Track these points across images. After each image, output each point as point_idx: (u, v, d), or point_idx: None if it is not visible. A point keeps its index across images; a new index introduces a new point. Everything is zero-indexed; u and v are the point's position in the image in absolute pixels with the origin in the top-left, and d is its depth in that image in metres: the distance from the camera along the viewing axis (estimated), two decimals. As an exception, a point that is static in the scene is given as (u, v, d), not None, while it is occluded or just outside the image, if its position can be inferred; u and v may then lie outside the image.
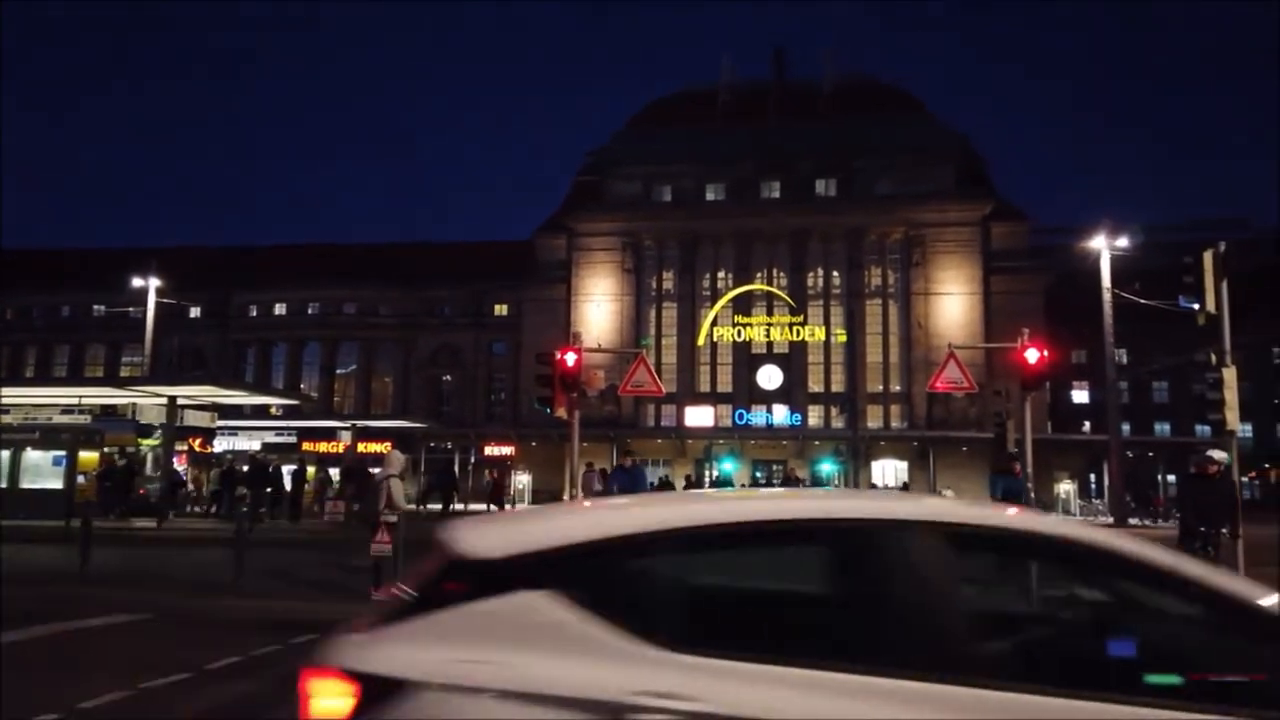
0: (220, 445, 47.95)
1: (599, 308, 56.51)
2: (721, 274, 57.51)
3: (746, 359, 55.96)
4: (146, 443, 29.05)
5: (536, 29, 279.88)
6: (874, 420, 53.88)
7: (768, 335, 55.77)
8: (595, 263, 57.71)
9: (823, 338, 55.38)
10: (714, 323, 56.17)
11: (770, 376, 55.53)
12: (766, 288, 56.40)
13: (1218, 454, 11.31)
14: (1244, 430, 45.14)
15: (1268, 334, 53.46)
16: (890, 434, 52.74)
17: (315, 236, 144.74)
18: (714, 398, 55.64)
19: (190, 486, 33.20)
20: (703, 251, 57.58)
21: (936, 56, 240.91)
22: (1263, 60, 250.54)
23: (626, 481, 12.86)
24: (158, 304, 44.00)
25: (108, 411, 29.51)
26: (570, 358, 11.59)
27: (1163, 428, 60.37)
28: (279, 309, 64.42)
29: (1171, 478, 52.99)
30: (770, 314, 56.07)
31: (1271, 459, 62.73)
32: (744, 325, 55.84)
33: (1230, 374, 13.64)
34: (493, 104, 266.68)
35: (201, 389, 28.21)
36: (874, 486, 44.54)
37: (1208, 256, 14.00)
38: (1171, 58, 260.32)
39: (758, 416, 54.29)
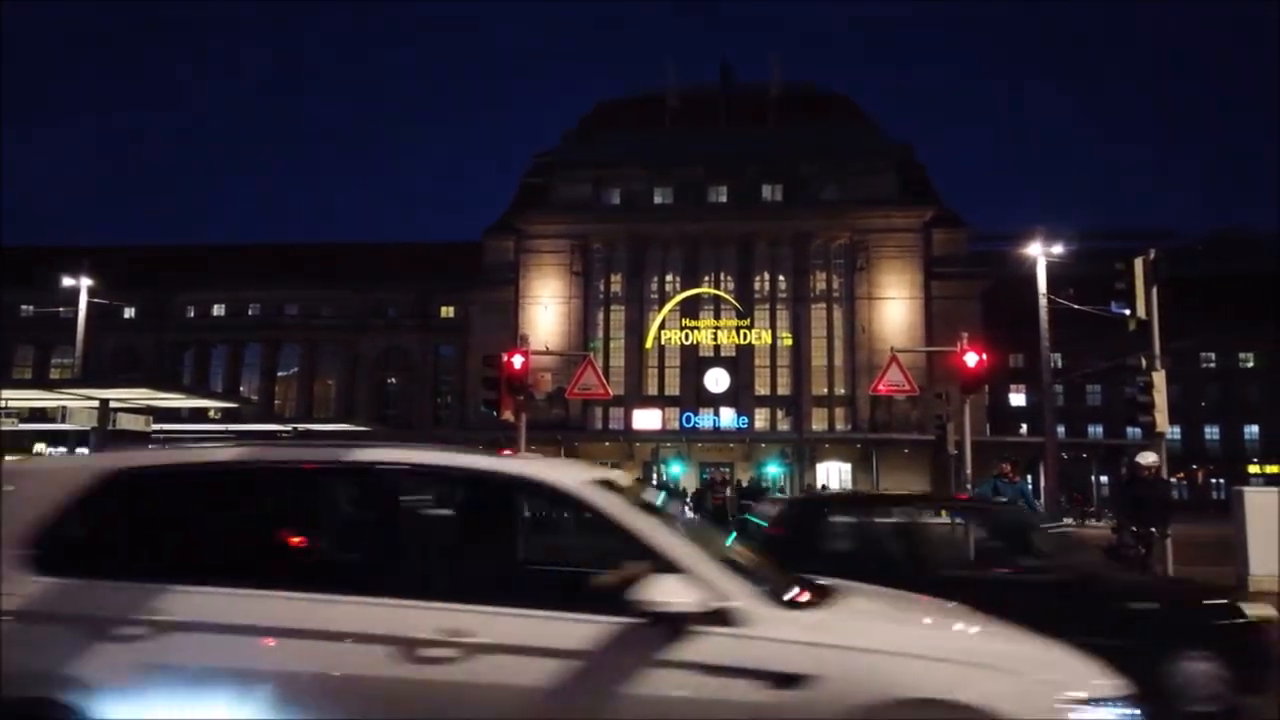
0: (156, 450, 46.72)
1: (547, 310, 56.30)
2: (669, 277, 57.72)
3: (694, 362, 56.21)
4: None
5: (492, 28, 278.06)
6: (819, 423, 54.55)
7: (715, 339, 56.13)
8: (544, 265, 57.50)
9: (769, 341, 55.91)
10: (662, 326, 56.34)
11: (717, 379, 55.88)
12: (714, 291, 56.76)
13: (1143, 457, 11.50)
14: (1173, 432, 46.57)
15: (1196, 339, 55.22)
16: (835, 436, 53.43)
17: (258, 237, 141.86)
18: (662, 400, 55.77)
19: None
20: (651, 255, 57.72)
21: (877, 63, 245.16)
22: (1203, 69, 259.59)
23: None
24: (90, 304, 42.71)
25: (36, 414, 28.50)
26: (517, 360, 11.50)
27: (1096, 430, 62.05)
28: (218, 310, 63.01)
29: (1105, 478, 54.62)
30: (718, 317, 56.43)
31: (1200, 460, 65.01)
32: (691, 329, 56.11)
33: (1160, 378, 14.09)
34: (446, 103, 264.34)
35: (136, 391, 27.24)
36: (811, 487, 44.88)
37: (1139, 264, 14.41)
38: (1111, 66, 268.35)
39: (705, 419, 54.55)
